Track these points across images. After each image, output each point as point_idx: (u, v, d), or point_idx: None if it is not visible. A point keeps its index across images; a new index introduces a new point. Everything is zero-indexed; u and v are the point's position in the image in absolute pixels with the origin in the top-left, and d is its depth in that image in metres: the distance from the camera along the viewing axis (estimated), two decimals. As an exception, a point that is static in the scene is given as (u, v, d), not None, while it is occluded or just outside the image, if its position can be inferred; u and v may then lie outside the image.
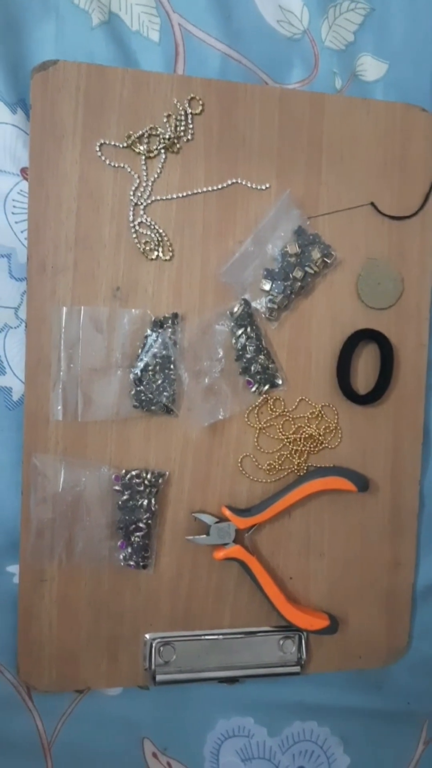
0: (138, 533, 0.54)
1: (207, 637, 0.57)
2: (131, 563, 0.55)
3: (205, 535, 0.56)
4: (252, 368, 0.56)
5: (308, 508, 0.58)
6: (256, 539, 0.57)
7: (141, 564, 0.55)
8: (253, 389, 0.56)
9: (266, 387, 0.56)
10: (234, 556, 0.56)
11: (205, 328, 0.55)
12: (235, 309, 0.55)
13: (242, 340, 0.55)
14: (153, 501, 0.55)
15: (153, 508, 0.55)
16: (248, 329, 0.55)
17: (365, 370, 0.58)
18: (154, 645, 0.56)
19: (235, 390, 0.56)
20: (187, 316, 0.55)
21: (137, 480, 0.54)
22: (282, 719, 0.60)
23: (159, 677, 0.56)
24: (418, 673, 0.62)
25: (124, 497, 0.54)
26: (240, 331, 0.55)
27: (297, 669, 0.58)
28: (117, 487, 0.54)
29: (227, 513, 0.56)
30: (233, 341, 0.56)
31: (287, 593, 0.57)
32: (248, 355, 0.56)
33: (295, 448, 0.57)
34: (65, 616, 0.55)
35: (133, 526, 0.54)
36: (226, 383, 0.55)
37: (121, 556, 0.55)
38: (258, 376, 0.56)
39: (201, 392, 0.55)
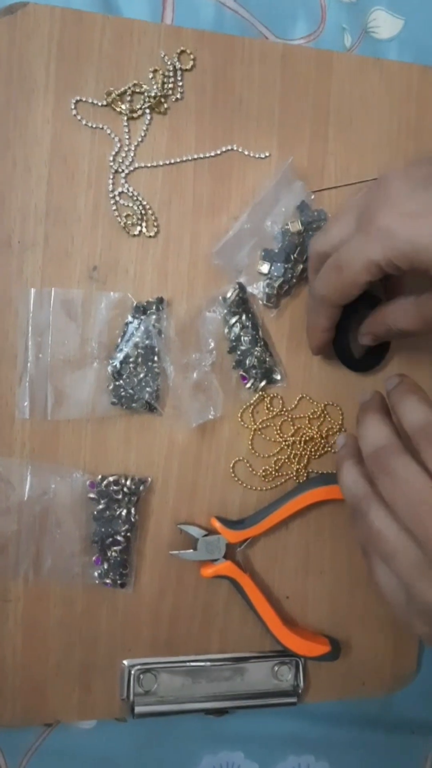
0: (115, 547, 0.48)
1: (193, 663, 0.51)
2: (107, 581, 0.48)
3: (191, 550, 0.49)
4: (247, 361, 0.49)
5: (308, 520, 0.52)
6: (249, 554, 0.51)
7: (118, 582, 0.48)
8: (248, 385, 0.50)
9: (263, 383, 0.50)
10: (224, 573, 0.49)
11: (193, 316, 0.48)
12: (229, 294, 0.49)
13: (236, 329, 0.49)
14: (133, 511, 0.48)
15: (133, 519, 0.48)
16: (243, 317, 0.49)
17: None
18: (132, 673, 0.49)
19: (228, 386, 0.49)
20: (174, 302, 0.48)
21: (115, 487, 0.48)
22: (275, 753, 0.54)
23: (138, 709, 0.49)
24: (425, 699, 0.57)
25: (100, 507, 0.48)
26: (234, 320, 0.49)
27: (293, 699, 0.52)
28: (92, 495, 0.48)
29: (217, 525, 0.49)
30: (226, 331, 0.49)
31: (283, 615, 0.51)
32: (243, 347, 0.49)
33: (294, 452, 0.51)
34: (31, 641, 0.48)
35: (110, 539, 0.48)
36: (218, 378, 0.49)
37: (96, 573, 0.48)
38: (254, 371, 0.49)
39: (189, 388, 0.48)
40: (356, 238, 0.40)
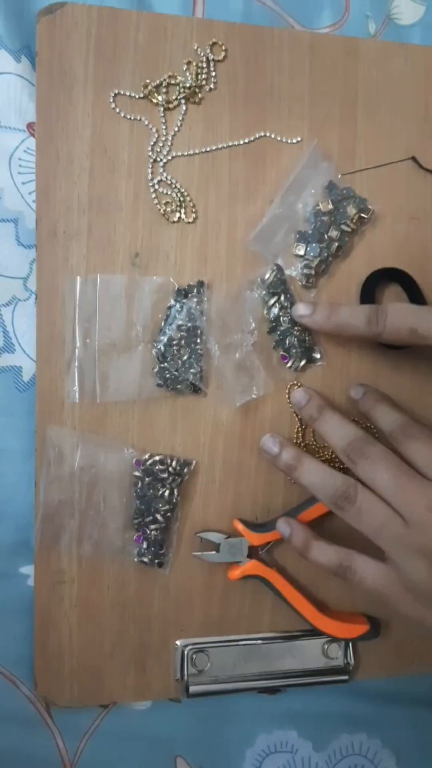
0: (153, 526, 0.49)
1: (244, 642, 0.51)
2: (145, 560, 0.49)
3: (214, 552, 0.50)
4: (287, 341, 0.50)
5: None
6: (273, 545, 0.51)
7: (156, 561, 0.49)
8: (289, 365, 0.51)
9: (303, 362, 0.51)
10: (252, 573, 0.49)
11: (234, 297, 0.49)
12: (267, 276, 0.50)
13: (275, 310, 0.50)
14: (176, 492, 0.49)
15: (175, 500, 0.49)
16: (282, 298, 0.50)
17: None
18: (186, 652, 0.50)
19: (269, 365, 0.50)
20: (214, 285, 0.49)
21: (160, 466, 0.49)
22: (328, 732, 0.54)
23: (192, 688, 0.50)
24: None
25: (143, 485, 0.48)
26: (272, 301, 0.50)
27: (344, 677, 0.52)
28: (136, 473, 0.48)
29: (240, 527, 0.50)
30: (265, 312, 0.50)
31: (318, 599, 0.52)
32: (282, 327, 0.50)
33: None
34: (87, 622, 0.49)
35: (150, 518, 0.49)
36: (259, 358, 0.50)
37: (136, 551, 0.49)
38: (294, 350, 0.50)
39: (232, 368, 0.49)
40: None
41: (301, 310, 0.48)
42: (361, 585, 0.44)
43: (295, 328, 0.50)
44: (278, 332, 0.50)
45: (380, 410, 0.48)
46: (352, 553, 0.45)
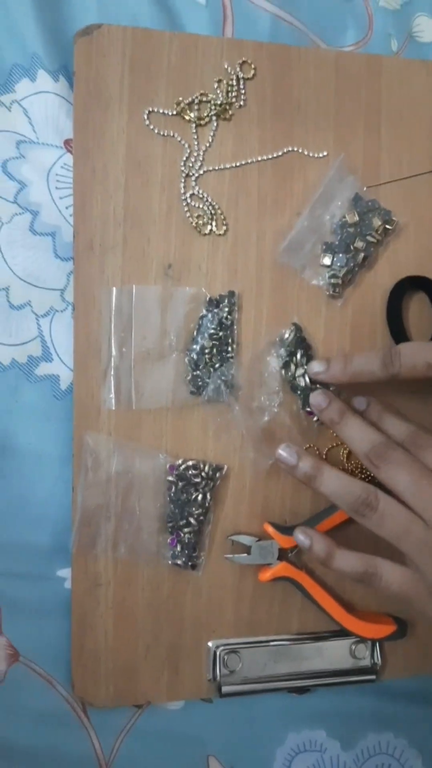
0: (187, 529, 0.50)
1: (274, 643, 0.52)
2: (179, 562, 0.50)
3: (245, 554, 0.51)
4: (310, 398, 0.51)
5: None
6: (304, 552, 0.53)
7: (189, 563, 0.50)
8: (315, 419, 0.52)
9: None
10: (282, 574, 0.51)
11: (258, 360, 0.51)
12: (287, 335, 0.51)
13: (291, 369, 0.51)
14: (208, 496, 0.50)
15: (207, 504, 0.50)
16: (297, 356, 0.51)
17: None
18: (218, 653, 0.51)
19: (297, 421, 0.52)
20: (244, 295, 0.51)
21: (193, 471, 0.50)
22: (356, 731, 0.55)
23: (225, 689, 0.51)
24: None
25: (176, 489, 0.50)
26: (284, 361, 0.51)
27: (372, 677, 0.53)
28: (170, 478, 0.50)
29: (270, 530, 0.51)
30: (282, 372, 0.51)
31: (347, 600, 0.53)
32: (302, 385, 0.51)
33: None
34: (122, 624, 0.50)
35: (184, 521, 0.50)
36: (287, 415, 0.51)
37: (170, 554, 0.50)
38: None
39: (261, 431, 0.50)
40: None
41: (315, 367, 0.49)
42: (387, 590, 0.45)
43: (315, 384, 0.51)
44: (299, 391, 0.51)
45: (388, 420, 0.49)
46: (376, 559, 0.46)
